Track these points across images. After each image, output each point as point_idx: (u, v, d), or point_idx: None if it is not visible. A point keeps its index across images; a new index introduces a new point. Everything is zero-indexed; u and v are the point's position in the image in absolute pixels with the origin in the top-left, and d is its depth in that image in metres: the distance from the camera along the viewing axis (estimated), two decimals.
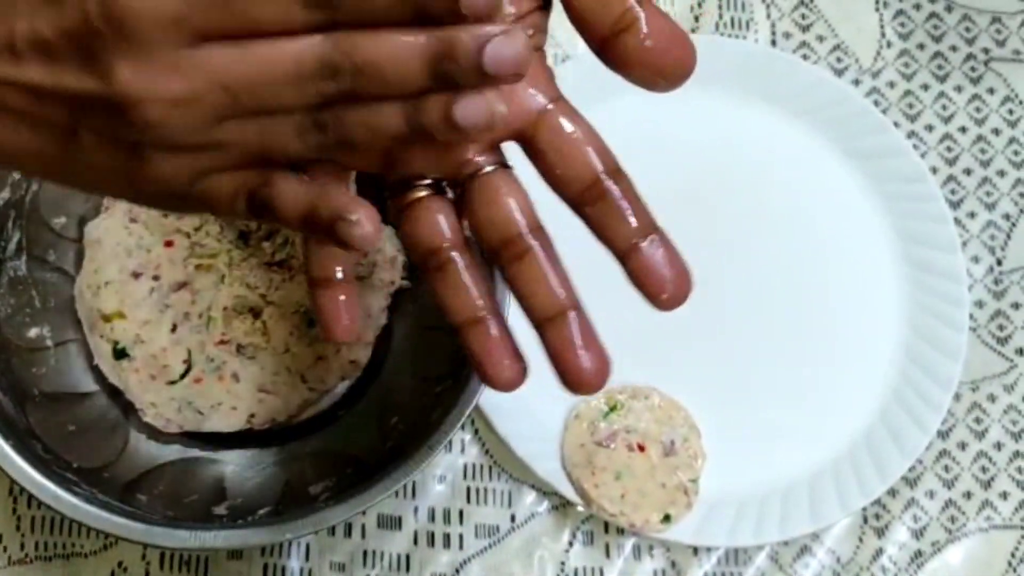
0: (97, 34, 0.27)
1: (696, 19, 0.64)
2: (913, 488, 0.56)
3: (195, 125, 0.29)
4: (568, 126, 0.32)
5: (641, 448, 0.54)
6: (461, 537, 0.54)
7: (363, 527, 0.54)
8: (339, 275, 0.37)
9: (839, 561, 0.55)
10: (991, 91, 0.64)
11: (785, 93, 0.61)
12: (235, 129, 0.29)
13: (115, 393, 0.51)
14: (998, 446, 0.58)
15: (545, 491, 0.55)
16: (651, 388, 0.55)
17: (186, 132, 0.29)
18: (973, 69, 0.64)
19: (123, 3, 0.27)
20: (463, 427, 0.52)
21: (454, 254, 0.33)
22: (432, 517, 0.55)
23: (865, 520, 0.56)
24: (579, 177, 0.32)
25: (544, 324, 0.33)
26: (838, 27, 0.64)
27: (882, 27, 0.65)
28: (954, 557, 0.56)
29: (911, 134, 0.62)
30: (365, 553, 0.54)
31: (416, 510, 0.55)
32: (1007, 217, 0.62)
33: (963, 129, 0.63)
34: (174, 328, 0.50)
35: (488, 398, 0.51)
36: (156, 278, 0.51)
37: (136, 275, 0.51)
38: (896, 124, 0.62)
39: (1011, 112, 0.63)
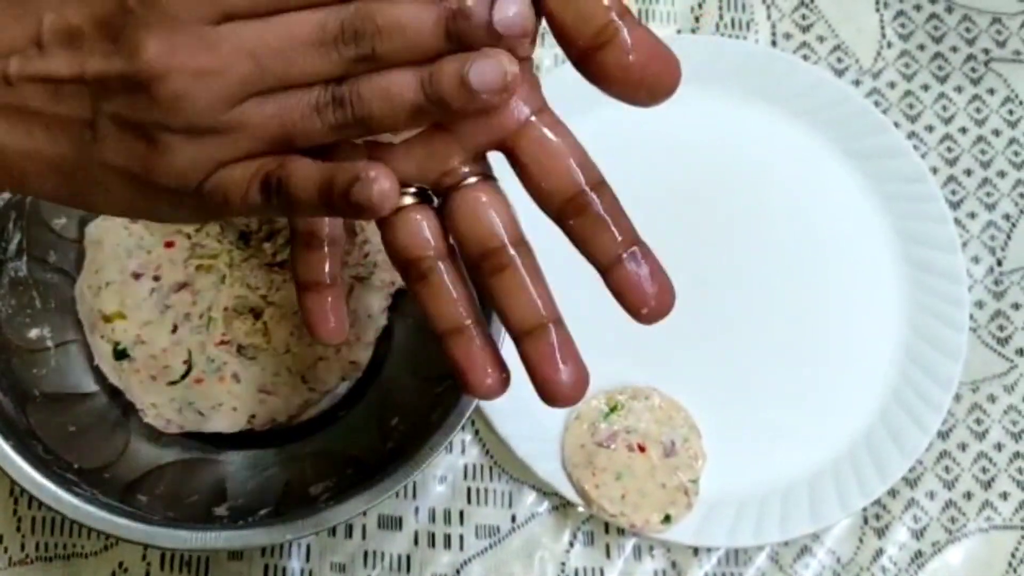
0: (128, 12, 0.28)
1: (696, 19, 0.64)
2: (913, 488, 0.57)
3: (218, 100, 0.29)
4: (551, 138, 0.32)
5: (641, 449, 0.54)
6: (462, 538, 0.54)
7: (364, 528, 0.54)
8: (326, 278, 0.37)
9: (839, 561, 0.55)
10: (991, 92, 0.64)
11: (785, 93, 0.61)
12: (255, 110, 0.30)
13: (116, 394, 0.51)
14: (998, 447, 0.58)
15: (545, 491, 0.55)
16: (651, 389, 0.55)
17: (208, 110, 0.29)
18: (973, 70, 0.64)
19: None
20: (463, 428, 0.52)
21: (437, 263, 0.33)
22: (433, 518, 0.55)
23: (865, 520, 0.56)
24: (560, 190, 0.32)
25: (522, 337, 0.33)
26: (838, 28, 0.64)
27: (882, 28, 0.65)
28: (954, 557, 0.56)
29: (911, 134, 0.63)
30: (366, 554, 0.54)
31: (417, 511, 0.55)
32: (1007, 217, 0.62)
33: (963, 130, 0.63)
34: (175, 329, 0.50)
35: None
36: (157, 279, 0.51)
37: (137, 276, 0.51)
38: (896, 124, 0.62)
39: (1011, 113, 0.63)
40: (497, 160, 0.33)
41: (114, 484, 0.48)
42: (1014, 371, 0.59)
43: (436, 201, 0.33)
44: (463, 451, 0.56)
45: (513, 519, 0.55)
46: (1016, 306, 0.60)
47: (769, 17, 0.64)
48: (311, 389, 0.51)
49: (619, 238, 0.32)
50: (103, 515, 0.43)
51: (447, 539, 0.54)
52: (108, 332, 0.50)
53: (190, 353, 0.50)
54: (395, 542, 0.54)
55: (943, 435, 0.57)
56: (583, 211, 0.32)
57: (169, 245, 0.51)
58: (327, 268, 0.39)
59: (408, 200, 0.33)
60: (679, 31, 0.64)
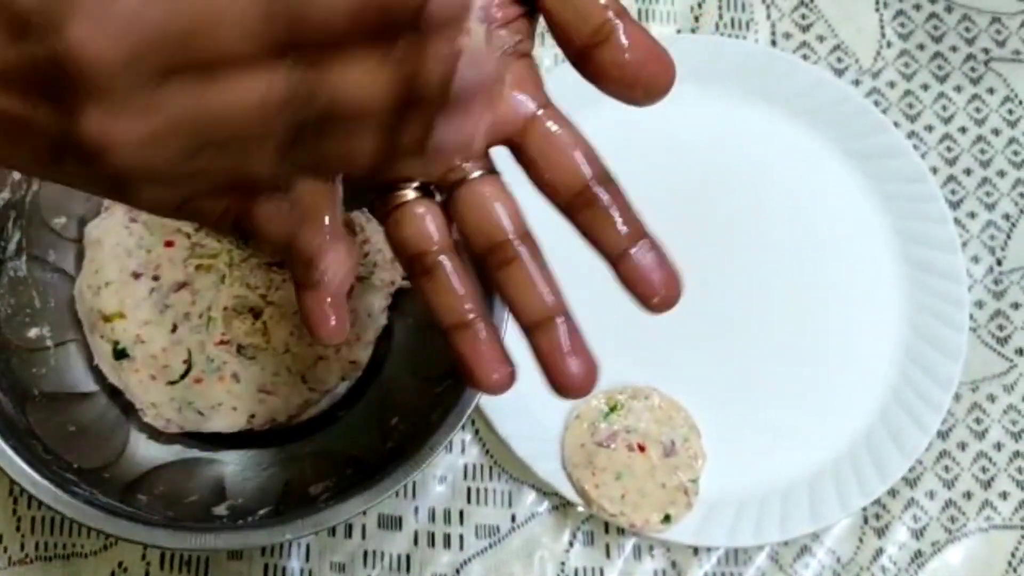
0: (61, 76, 0.26)
1: (696, 19, 0.64)
2: (913, 488, 0.57)
3: (168, 161, 0.28)
4: (558, 132, 0.32)
5: (641, 448, 0.54)
6: (461, 537, 0.54)
7: (363, 527, 0.54)
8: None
9: (839, 561, 0.55)
10: (991, 91, 0.64)
11: (785, 93, 0.61)
12: (210, 158, 0.29)
13: (115, 393, 0.51)
14: (998, 446, 0.58)
15: (545, 491, 0.55)
16: (651, 388, 0.55)
17: (160, 168, 0.28)
18: (973, 69, 0.64)
19: (77, 49, 0.26)
20: (463, 427, 0.52)
21: (442, 257, 0.33)
22: (432, 517, 0.55)
23: (865, 520, 0.56)
24: (568, 184, 0.32)
25: (532, 329, 0.33)
26: (838, 27, 0.64)
27: (882, 27, 0.65)
28: (954, 557, 0.56)
29: (911, 134, 0.63)
30: (365, 553, 0.54)
31: (416, 510, 0.55)
32: (1007, 217, 0.62)
33: (963, 129, 0.63)
34: (174, 328, 0.50)
35: (489, 399, 0.51)
36: (156, 278, 0.51)
37: (136, 275, 0.51)
38: (896, 124, 0.62)
39: (1011, 112, 0.63)
40: (498, 156, 0.33)
41: (114, 484, 0.47)
42: (1014, 371, 0.59)
43: (438, 196, 0.33)
44: (463, 451, 0.56)
45: (513, 519, 0.55)
46: (1016, 306, 0.60)
47: (769, 17, 0.64)
48: (311, 389, 0.51)
49: (628, 230, 0.32)
50: (102, 515, 0.43)
51: (447, 539, 0.54)
52: (108, 331, 0.50)
53: (190, 353, 0.50)
54: (395, 542, 0.54)
55: (943, 435, 0.57)
56: (591, 204, 0.32)
57: (169, 244, 0.51)
58: None
59: (411, 195, 0.33)
60: (679, 31, 0.64)
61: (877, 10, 0.65)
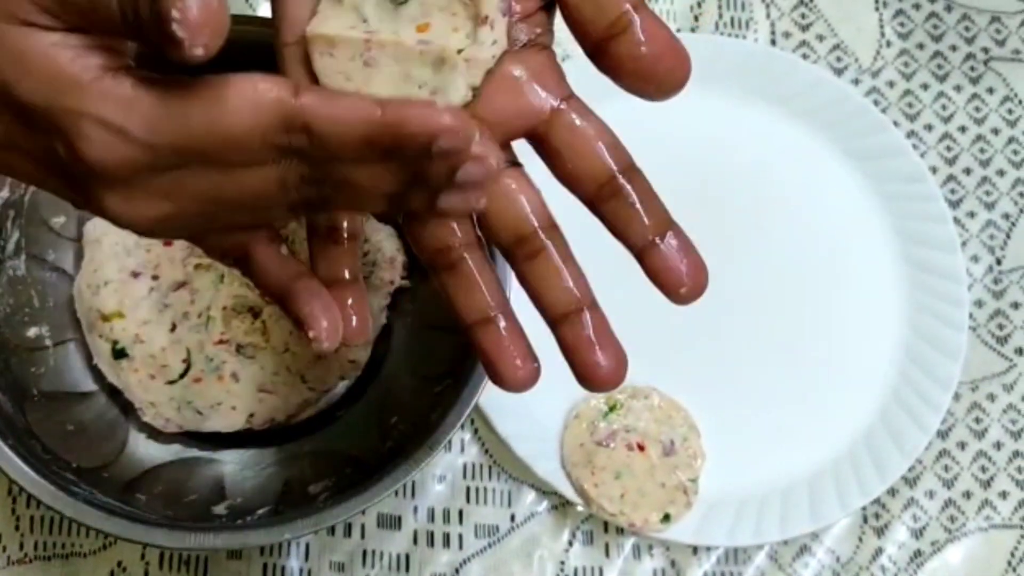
0: (73, 169, 0.27)
1: (696, 19, 0.64)
2: (913, 488, 0.56)
3: (182, 232, 0.30)
4: (581, 124, 0.32)
5: (641, 448, 0.54)
6: (461, 537, 0.54)
7: (363, 527, 0.54)
8: (346, 275, 0.37)
9: (839, 561, 0.55)
10: (990, 91, 0.64)
11: (785, 93, 0.61)
12: (226, 216, 0.29)
13: (114, 393, 0.51)
14: (997, 446, 0.58)
15: (545, 491, 0.55)
16: (651, 388, 0.55)
17: (174, 230, 0.30)
18: (973, 69, 0.64)
19: (84, 152, 0.26)
20: (463, 427, 0.52)
21: (465, 253, 0.33)
22: (432, 517, 0.55)
23: (865, 520, 0.56)
24: (594, 175, 0.32)
25: (559, 322, 0.33)
26: (838, 27, 0.64)
27: (882, 27, 0.64)
28: (954, 557, 0.56)
29: (911, 134, 0.62)
30: (365, 553, 0.54)
31: (416, 510, 0.55)
32: (1007, 217, 0.62)
33: (963, 129, 0.63)
34: (173, 328, 0.50)
35: (488, 398, 0.51)
36: (155, 277, 0.51)
37: (135, 274, 0.51)
38: (896, 124, 0.62)
39: (1010, 112, 0.63)
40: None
41: (113, 483, 0.47)
42: (1013, 370, 0.59)
43: None
44: (462, 450, 0.56)
45: (512, 518, 0.55)
46: (1015, 305, 0.60)
47: (768, 16, 0.64)
48: (310, 388, 0.51)
49: (653, 221, 0.32)
50: (102, 514, 0.43)
51: (446, 538, 0.54)
52: (107, 331, 0.50)
53: (189, 352, 0.50)
54: (394, 541, 0.54)
55: (942, 434, 0.57)
56: (616, 195, 0.32)
57: (168, 244, 0.51)
58: (347, 266, 0.38)
59: None
60: (678, 30, 0.64)
61: (877, 9, 0.65)
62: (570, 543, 0.55)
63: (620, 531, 0.55)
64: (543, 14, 0.33)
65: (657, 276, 0.32)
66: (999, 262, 0.61)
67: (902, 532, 0.56)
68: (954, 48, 0.64)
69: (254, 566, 0.53)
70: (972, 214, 0.61)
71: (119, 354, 0.50)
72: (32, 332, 0.51)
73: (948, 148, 0.63)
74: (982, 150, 0.63)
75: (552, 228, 0.33)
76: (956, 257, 0.58)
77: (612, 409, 0.55)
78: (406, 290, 0.53)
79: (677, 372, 0.56)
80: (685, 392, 0.55)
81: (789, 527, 0.53)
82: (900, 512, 0.56)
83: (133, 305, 0.50)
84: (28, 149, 0.28)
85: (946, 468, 0.57)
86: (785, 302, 0.58)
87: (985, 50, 0.64)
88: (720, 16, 0.64)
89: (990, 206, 0.62)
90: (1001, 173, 0.62)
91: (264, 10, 0.62)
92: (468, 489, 0.55)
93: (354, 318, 0.36)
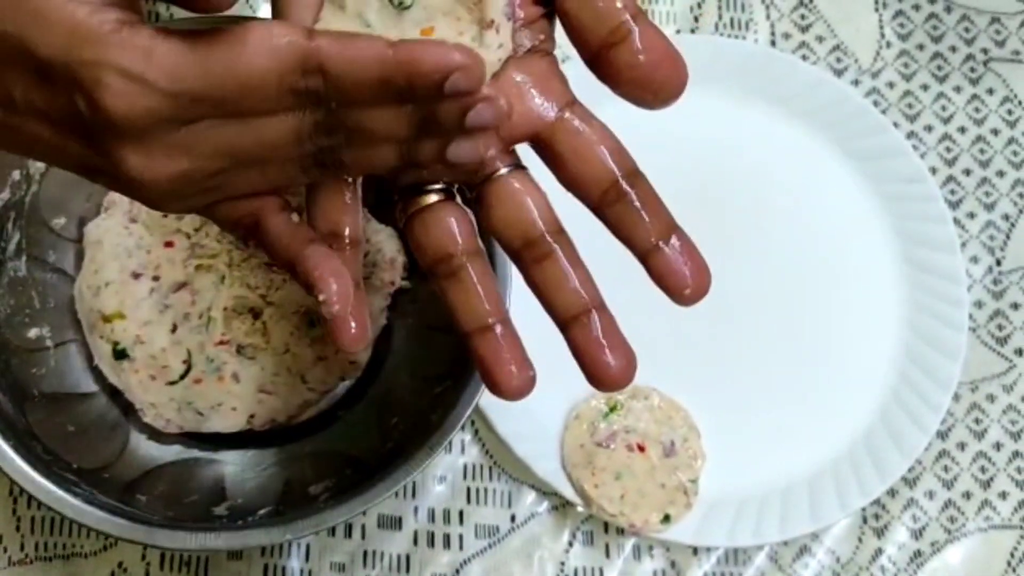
0: (92, 122, 0.27)
1: (696, 19, 0.64)
2: (912, 488, 0.57)
3: (199, 189, 0.30)
4: (585, 128, 0.33)
5: (641, 448, 0.54)
6: (461, 537, 0.54)
7: (363, 527, 0.54)
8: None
9: (839, 561, 0.55)
10: (990, 91, 0.64)
11: (785, 93, 0.61)
12: (236, 176, 0.30)
13: (115, 393, 0.51)
14: (997, 446, 0.58)
15: (545, 491, 0.55)
16: (651, 388, 0.55)
17: (190, 195, 0.30)
18: (972, 70, 0.64)
19: (105, 103, 0.27)
20: (463, 427, 0.52)
21: (466, 261, 0.33)
22: (432, 517, 0.55)
23: (864, 520, 0.56)
24: (597, 180, 0.32)
25: (569, 324, 0.33)
26: (837, 27, 0.64)
27: (881, 27, 0.65)
28: (953, 557, 0.56)
29: (911, 134, 0.63)
30: (365, 553, 0.54)
31: (416, 510, 0.55)
32: (1006, 217, 0.62)
33: (962, 129, 0.63)
34: (174, 328, 0.50)
35: (488, 399, 0.51)
36: (156, 278, 0.51)
37: (136, 275, 0.51)
38: (896, 124, 0.62)
39: (1010, 112, 0.63)
40: None
41: (113, 484, 0.47)
42: (1013, 371, 0.59)
43: (458, 198, 0.34)
44: (462, 451, 0.56)
45: (512, 519, 0.55)
46: (1015, 306, 0.60)
47: (768, 17, 0.64)
48: (310, 389, 0.51)
49: (657, 224, 0.32)
50: (102, 515, 0.43)
51: (446, 539, 0.54)
52: (107, 332, 0.50)
53: (189, 353, 0.50)
54: (394, 542, 0.54)
55: (942, 435, 0.57)
56: (620, 199, 0.32)
57: (168, 245, 0.51)
58: (351, 271, 0.38)
59: (434, 198, 0.33)
60: (678, 31, 0.64)
61: (876, 10, 0.65)
62: (570, 544, 0.55)
63: (620, 532, 0.55)
64: (545, 21, 0.33)
65: (661, 279, 0.32)
66: (999, 263, 0.61)
67: (902, 533, 0.56)
68: (954, 49, 0.64)
69: (255, 567, 0.53)
70: (972, 215, 0.62)
71: (120, 355, 0.50)
72: (33, 333, 0.51)
73: (948, 149, 0.63)
74: (982, 151, 0.63)
75: (559, 231, 0.33)
76: (956, 258, 0.58)
77: (612, 410, 0.55)
78: (406, 291, 0.53)
79: (677, 373, 0.56)
80: (685, 393, 0.55)
81: (789, 528, 0.53)
82: (900, 513, 0.56)
83: (134, 306, 0.50)
84: (47, 110, 0.28)
85: (946, 469, 0.57)
86: (785, 302, 0.58)
87: (985, 51, 0.64)
88: (720, 17, 0.64)
89: (990, 207, 0.62)
90: (1001, 174, 0.62)
91: (264, 11, 0.62)
92: (468, 490, 0.55)
93: (353, 325, 0.36)
